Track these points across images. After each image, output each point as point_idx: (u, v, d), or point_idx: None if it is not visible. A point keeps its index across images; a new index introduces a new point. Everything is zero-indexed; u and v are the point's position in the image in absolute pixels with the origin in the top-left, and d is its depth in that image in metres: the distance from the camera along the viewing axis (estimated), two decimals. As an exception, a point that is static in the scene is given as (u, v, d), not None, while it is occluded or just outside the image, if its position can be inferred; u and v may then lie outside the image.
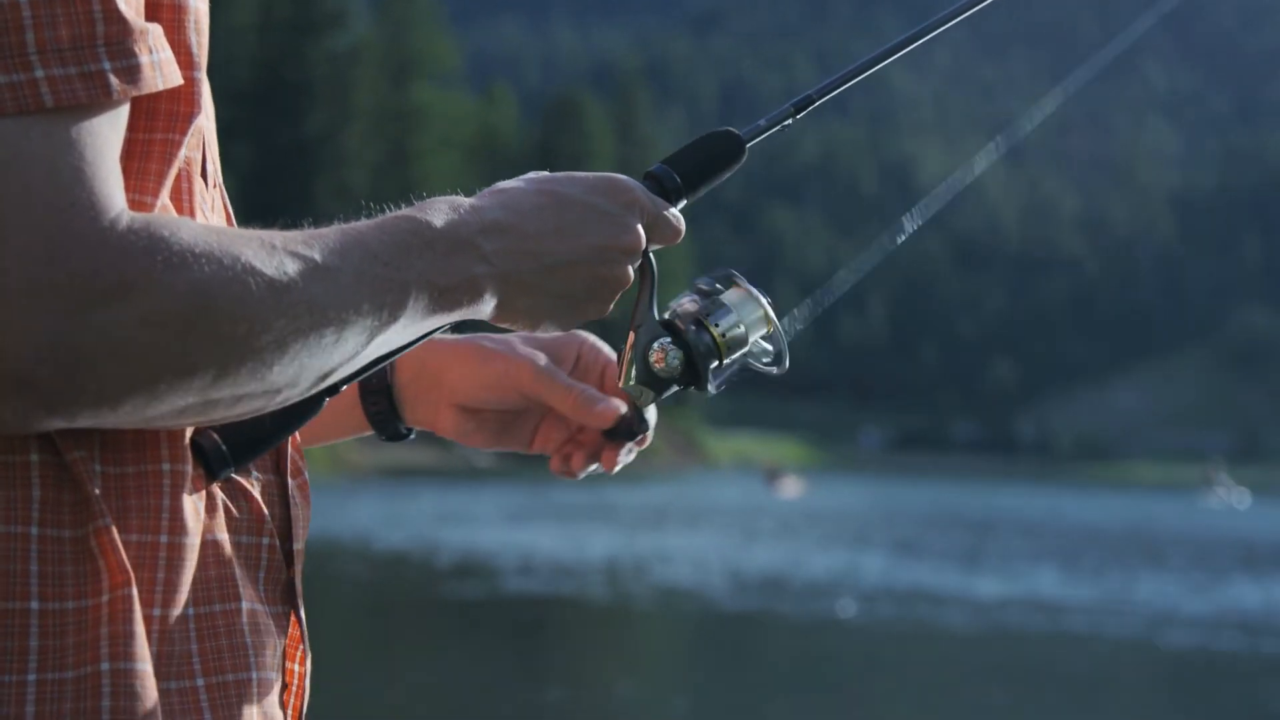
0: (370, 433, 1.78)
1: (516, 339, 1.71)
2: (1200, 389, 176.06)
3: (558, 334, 1.70)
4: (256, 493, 1.37)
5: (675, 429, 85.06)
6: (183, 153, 1.26)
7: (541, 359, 1.69)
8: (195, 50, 1.26)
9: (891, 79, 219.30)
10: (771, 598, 22.14)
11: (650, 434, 1.67)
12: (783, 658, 17.44)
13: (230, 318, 1.18)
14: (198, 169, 1.30)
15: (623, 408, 1.67)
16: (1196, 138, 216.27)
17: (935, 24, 1.75)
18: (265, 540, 1.37)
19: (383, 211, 1.36)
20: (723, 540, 32.34)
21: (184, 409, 1.21)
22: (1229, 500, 77.49)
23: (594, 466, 1.73)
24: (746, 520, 40.40)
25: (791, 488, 61.36)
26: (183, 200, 1.27)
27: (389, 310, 1.29)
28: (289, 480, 1.42)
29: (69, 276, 1.12)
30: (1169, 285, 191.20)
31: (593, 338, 1.74)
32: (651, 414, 1.65)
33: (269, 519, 1.37)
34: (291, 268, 1.21)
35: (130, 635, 1.21)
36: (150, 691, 1.22)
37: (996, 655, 18.14)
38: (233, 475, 1.34)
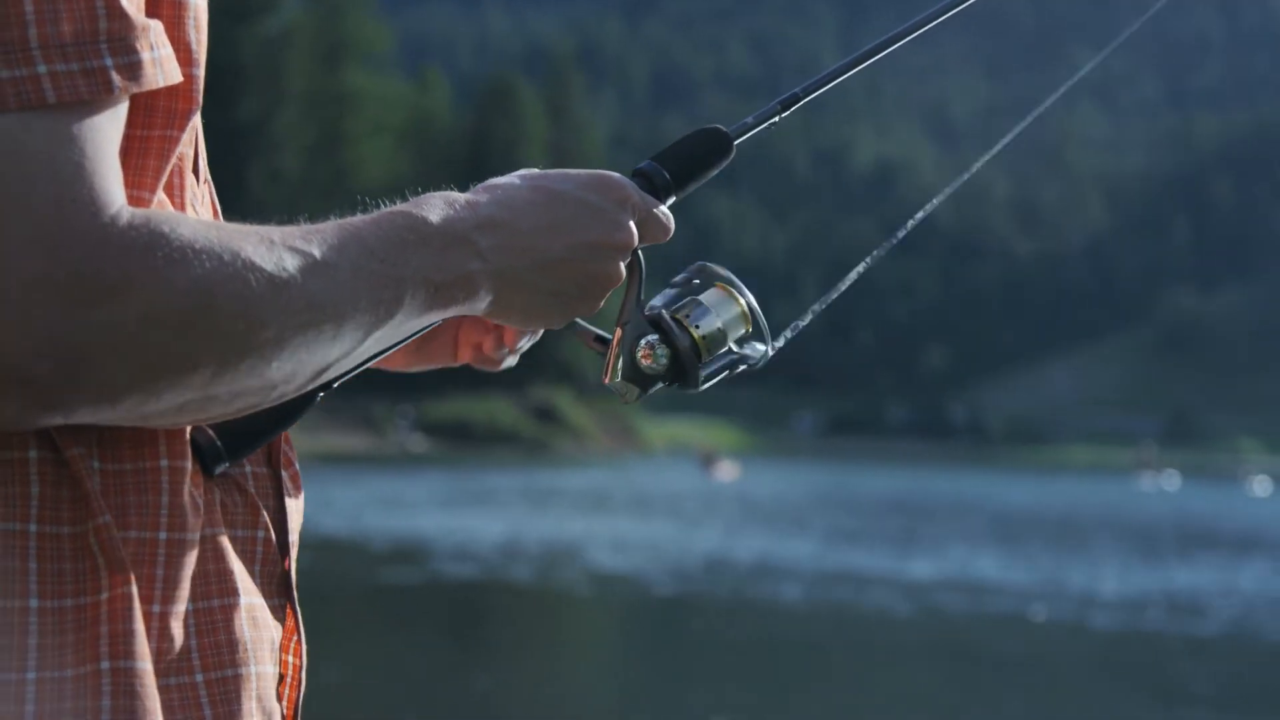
0: None
1: None
2: (1130, 372, 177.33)
3: None
4: (250, 486, 1.37)
5: (610, 415, 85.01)
6: (179, 149, 1.25)
7: None
8: (194, 47, 1.25)
9: (824, 63, 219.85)
10: (707, 582, 22.19)
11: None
12: (719, 641, 17.48)
13: (230, 314, 1.17)
14: (190, 165, 1.30)
15: None
16: (1126, 122, 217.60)
17: (922, 21, 1.77)
18: (260, 533, 1.37)
19: (379, 207, 1.35)
20: (659, 525, 32.38)
21: (183, 406, 1.20)
22: (1160, 483, 78.10)
23: (505, 350, 1.71)
24: (682, 505, 40.45)
25: (727, 472, 61.47)
26: (174, 196, 1.27)
27: (386, 306, 1.29)
28: (281, 472, 1.41)
29: (70, 273, 1.12)
30: (1099, 269, 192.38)
31: None
32: None
33: (264, 512, 1.37)
34: (290, 264, 1.21)
35: (130, 633, 1.21)
36: (151, 690, 1.21)
37: (929, 637, 18.23)
38: (227, 469, 1.34)
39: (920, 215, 1.79)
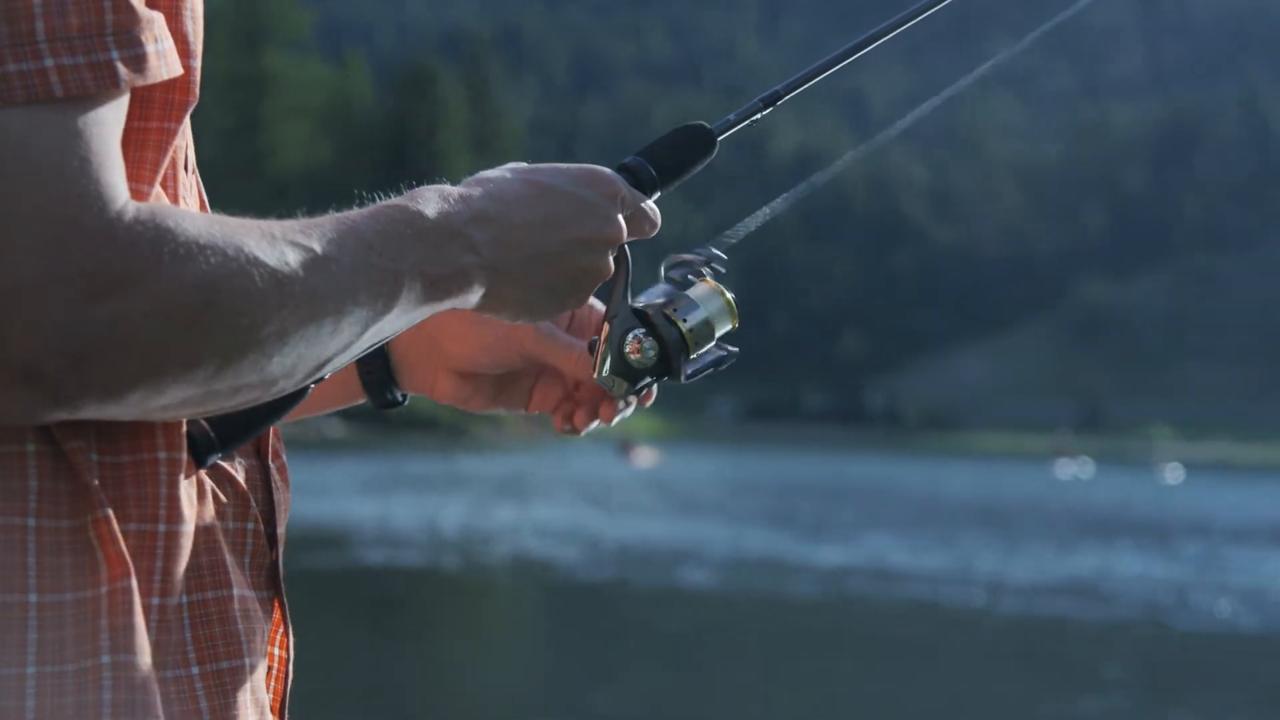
0: (362, 401, 1.77)
1: None
2: (1045, 360, 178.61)
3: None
4: (240, 477, 1.37)
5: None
6: (176, 141, 1.26)
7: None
8: (192, 39, 1.26)
9: (744, 49, 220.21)
10: (625, 567, 22.27)
11: (654, 390, 1.64)
12: (636, 626, 17.56)
13: (235, 310, 1.18)
14: (182, 156, 1.31)
15: None
16: (1042, 111, 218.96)
17: (906, 18, 1.78)
18: (250, 525, 1.37)
19: (374, 200, 1.36)
20: (577, 511, 32.43)
21: (184, 401, 1.21)
22: (1074, 470, 78.79)
23: (596, 423, 1.72)
24: (600, 491, 40.50)
25: (645, 458, 61.57)
26: (167, 187, 1.27)
27: (384, 301, 1.29)
28: (270, 464, 1.42)
29: (77, 268, 1.12)
30: (1015, 257, 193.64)
31: None
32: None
33: (254, 504, 1.37)
34: (293, 258, 1.22)
35: (131, 627, 1.21)
36: (150, 683, 1.22)
37: (842, 622, 18.39)
38: (218, 460, 1.34)
39: (834, 168, 1.81)
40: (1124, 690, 14.43)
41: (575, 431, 1.72)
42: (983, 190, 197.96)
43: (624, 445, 65.61)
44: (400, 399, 1.72)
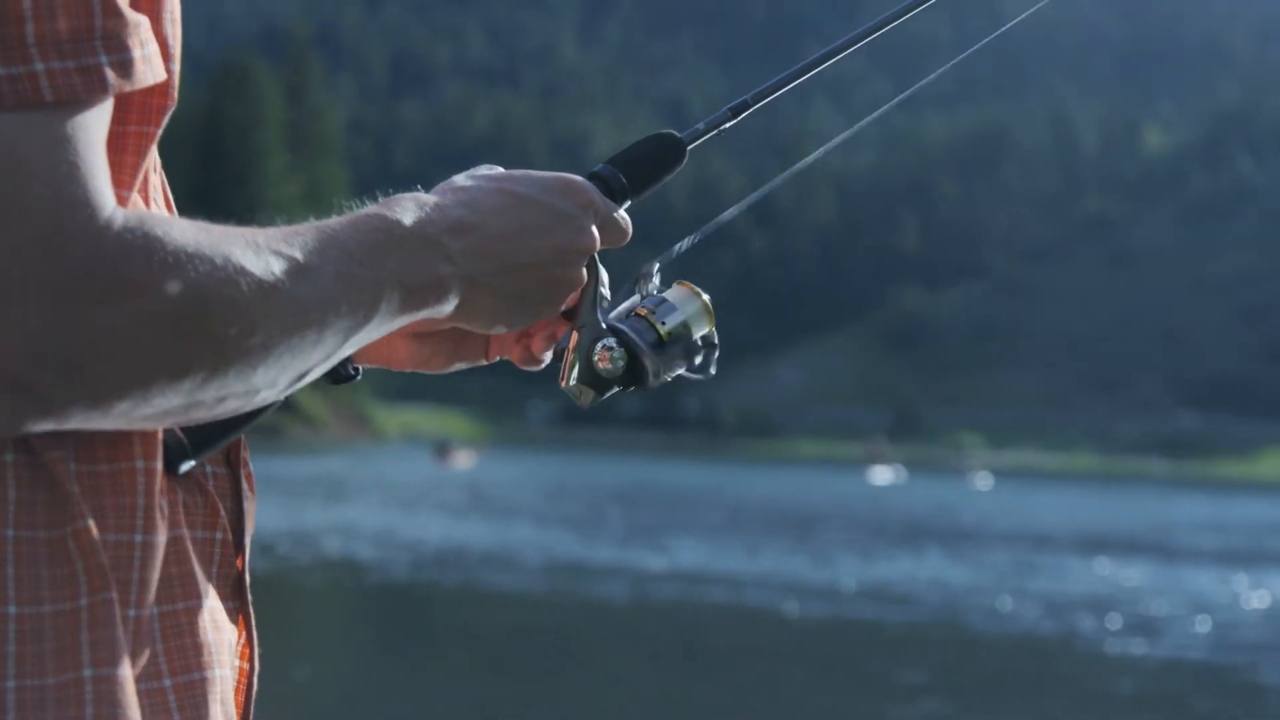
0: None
1: None
2: (859, 367, 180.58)
3: None
4: (210, 486, 1.36)
5: (342, 401, 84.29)
6: (154, 145, 1.24)
7: None
8: (171, 42, 1.24)
9: (563, 51, 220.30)
10: (439, 571, 22.21)
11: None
12: (449, 629, 17.52)
13: (223, 319, 1.16)
14: (152, 159, 1.29)
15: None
16: (858, 118, 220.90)
17: (878, 25, 1.81)
18: (219, 534, 1.35)
19: (351, 209, 1.35)
20: (392, 513, 32.27)
21: (168, 410, 1.19)
22: (887, 476, 79.85)
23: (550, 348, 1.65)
24: (416, 493, 40.32)
25: (462, 461, 61.42)
26: (141, 191, 1.26)
27: (364, 310, 1.28)
28: (240, 472, 1.41)
29: (67, 276, 1.10)
30: (829, 264, 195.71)
31: None
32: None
33: (222, 513, 1.36)
34: (277, 268, 1.20)
35: (112, 640, 1.19)
36: (131, 697, 1.20)
37: (651, 626, 18.51)
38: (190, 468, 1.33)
39: (810, 159, 1.83)
40: (926, 695, 14.64)
41: (537, 362, 1.66)
42: (799, 198, 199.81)
43: (441, 448, 65.41)
44: (354, 372, 1.65)
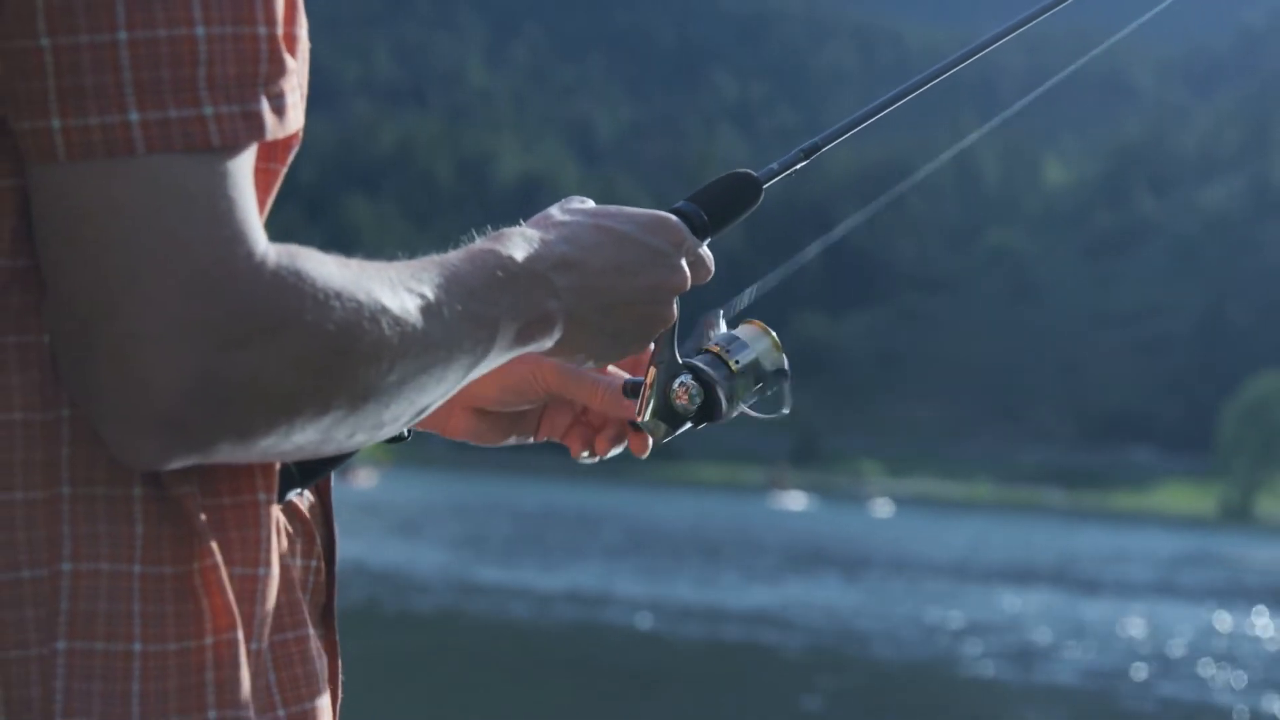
0: None
1: None
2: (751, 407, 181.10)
3: None
4: (307, 514, 1.36)
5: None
6: (279, 182, 1.26)
7: None
8: (305, 84, 1.26)
9: (471, 73, 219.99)
10: (338, 590, 22.00)
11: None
12: (343, 649, 17.34)
13: (365, 358, 1.17)
14: None
15: None
16: (764, 147, 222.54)
17: (947, 66, 1.80)
18: (314, 563, 1.36)
19: (463, 244, 1.36)
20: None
21: (303, 445, 1.21)
22: (790, 501, 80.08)
23: (619, 449, 1.69)
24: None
25: (364, 479, 61.06)
26: None
27: (483, 346, 1.30)
28: (330, 500, 1.41)
29: (224, 313, 1.11)
30: (734, 288, 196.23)
31: None
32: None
33: (318, 541, 1.37)
34: (412, 306, 1.22)
35: (236, 681, 1.20)
36: None
37: (548, 647, 18.42)
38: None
39: (897, 190, 1.86)
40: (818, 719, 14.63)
41: (595, 457, 1.68)
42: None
43: (343, 466, 64.92)
44: (406, 435, 1.58)
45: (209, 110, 1.13)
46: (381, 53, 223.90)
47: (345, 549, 1.30)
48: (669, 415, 1.56)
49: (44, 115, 1.12)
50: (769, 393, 1.64)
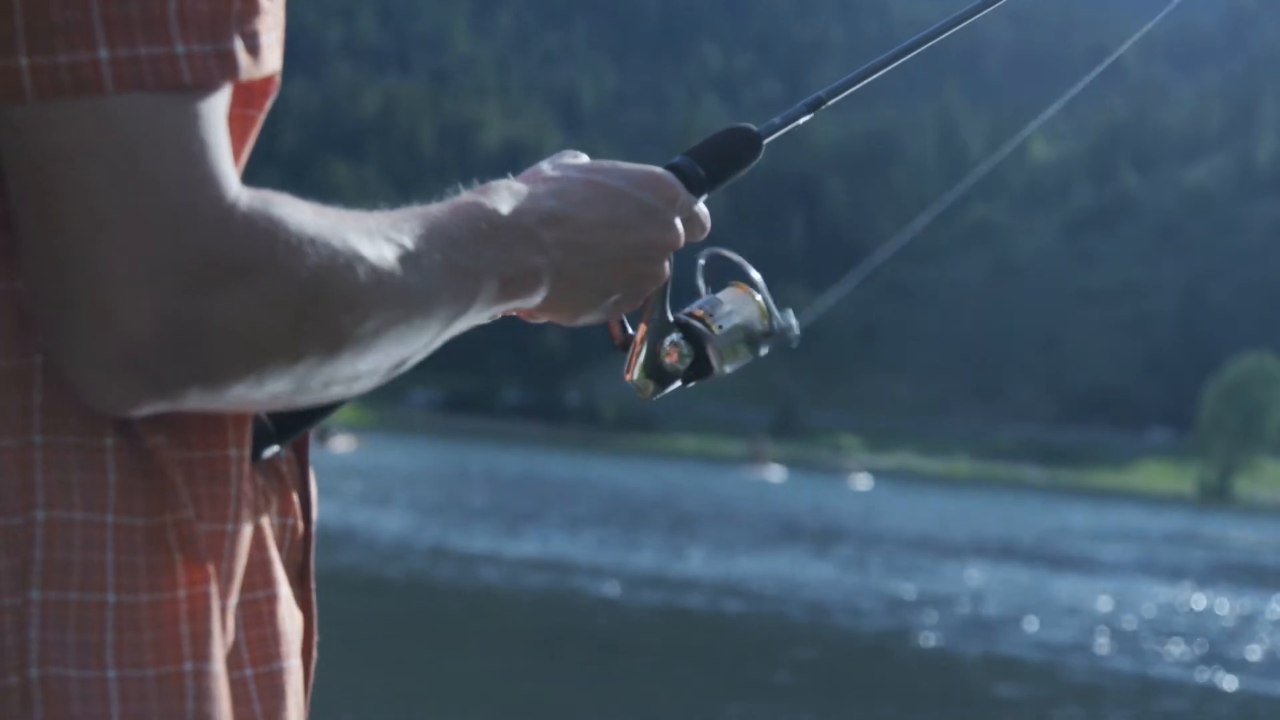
0: None
1: None
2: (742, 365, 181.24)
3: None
4: (284, 471, 1.34)
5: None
6: (256, 129, 1.22)
7: None
8: (281, 26, 1.23)
9: (455, 38, 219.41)
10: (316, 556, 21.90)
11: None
12: (320, 614, 17.24)
13: (340, 305, 1.16)
14: None
15: None
16: (747, 118, 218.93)
17: (958, 19, 1.79)
18: (290, 521, 1.34)
19: (447, 196, 1.34)
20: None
21: (276, 395, 1.18)
22: (766, 474, 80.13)
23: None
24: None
25: (343, 444, 60.93)
26: None
27: (465, 299, 1.28)
28: (307, 458, 1.38)
29: (196, 256, 1.09)
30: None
31: None
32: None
33: (295, 499, 1.35)
34: (390, 255, 1.19)
35: (209, 633, 1.18)
36: (224, 691, 1.19)
37: (521, 616, 18.33)
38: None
39: (960, 187, 1.81)
40: (790, 694, 14.58)
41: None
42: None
43: (320, 431, 64.61)
44: None
45: (180, 48, 1.10)
46: (365, 15, 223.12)
47: (318, 512, 1.31)
48: (659, 374, 1.56)
49: (11, 53, 1.09)
50: (762, 350, 1.62)
